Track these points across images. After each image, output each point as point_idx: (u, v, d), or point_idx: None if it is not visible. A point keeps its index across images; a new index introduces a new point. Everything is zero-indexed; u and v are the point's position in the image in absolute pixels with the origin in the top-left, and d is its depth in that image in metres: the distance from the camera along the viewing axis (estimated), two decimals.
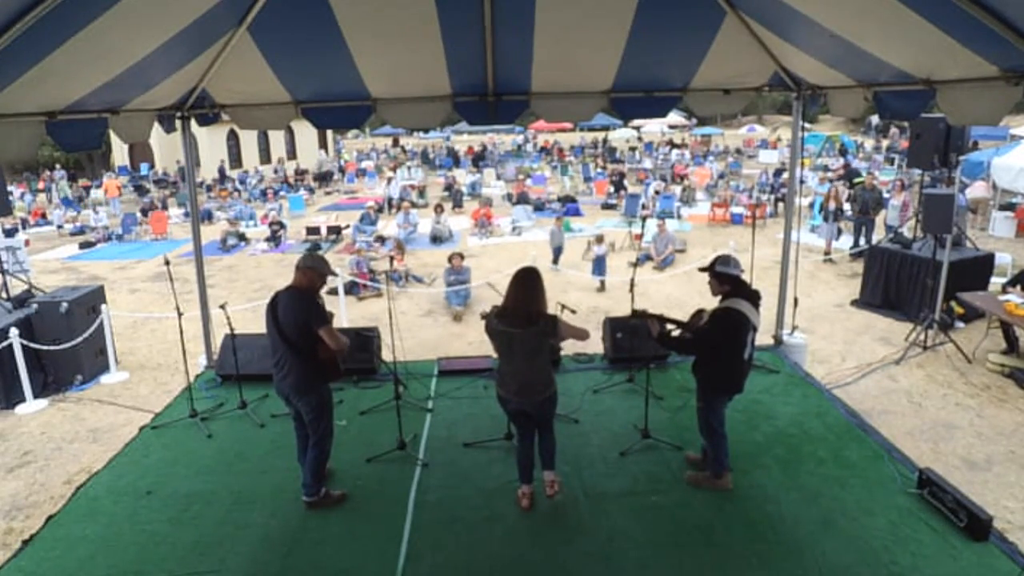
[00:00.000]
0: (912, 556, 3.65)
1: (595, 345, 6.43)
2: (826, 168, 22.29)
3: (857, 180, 15.83)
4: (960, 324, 8.09)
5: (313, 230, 15.47)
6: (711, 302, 4.19)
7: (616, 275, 10.48)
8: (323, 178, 27.09)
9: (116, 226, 16.97)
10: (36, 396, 6.70)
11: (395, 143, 41.15)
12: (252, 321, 8.08)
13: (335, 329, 4.02)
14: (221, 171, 26.56)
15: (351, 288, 10.01)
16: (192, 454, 5.02)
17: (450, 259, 9.77)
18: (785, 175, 17.53)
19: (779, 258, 6.75)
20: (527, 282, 3.82)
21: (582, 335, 3.93)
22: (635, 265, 5.85)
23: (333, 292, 8.88)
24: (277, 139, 32.30)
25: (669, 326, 4.25)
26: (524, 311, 3.79)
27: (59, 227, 18.38)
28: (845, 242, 12.51)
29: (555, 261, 11.51)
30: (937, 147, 8.17)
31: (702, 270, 4.20)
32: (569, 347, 6.23)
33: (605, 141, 35.97)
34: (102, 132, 4.57)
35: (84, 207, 21.46)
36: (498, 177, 24.71)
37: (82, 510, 4.34)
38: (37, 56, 3.23)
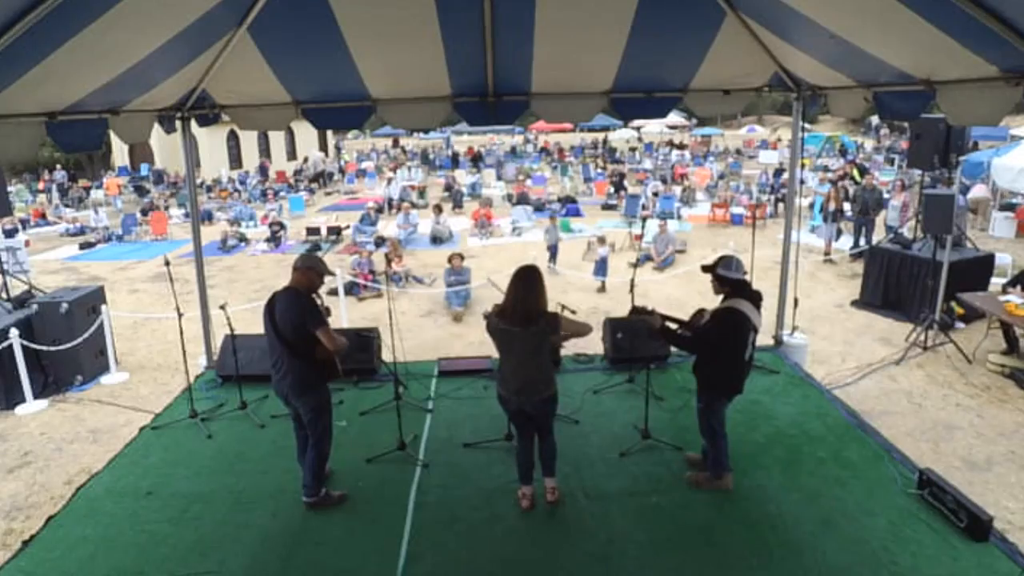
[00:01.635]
0: (912, 556, 3.65)
1: (595, 345, 6.44)
2: (826, 168, 22.27)
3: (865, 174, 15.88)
4: (960, 324, 8.09)
5: (313, 230, 15.48)
6: (712, 302, 4.19)
7: (616, 275, 10.48)
8: (318, 178, 27.06)
9: (116, 226, 16.97)
10: (36, 396, 6.70)
11: (395, 144, 41.16)
12: (252, 321, 7.99)
13: (333, 330, 4.01)
14: (262, 168, 26.55)
15: (351, 288, 10.01)
16: (192, 454, 5.02)
17: (450, 259, 9.76)
18: (785, 175, 17.52)
19: (779, 259, 6.75)
20: (527, 280, 3.81)
21: (584, 330, 3.92)
22: (635, 266, 5.86)
23: (333, 292, 8.88)
24: (277, 139, 32.27)
25: (671, 324, 4.26)
26: (524, 310, 3.78)
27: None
28: (845, 242, 12.50)
29: (552, 260, 11.48)
30: (937, 147, 8.18)
31: (704, 269, 4.20)
32: (569, 347, 6.23)
33: (605, 142, 35.99)
34: (102, 133, 4.56)
35: (84, 207, 21.45)
36: (498, 178, 24.72)
37: (82, 511, 4.34)
38: (37, 56, 3.23)
